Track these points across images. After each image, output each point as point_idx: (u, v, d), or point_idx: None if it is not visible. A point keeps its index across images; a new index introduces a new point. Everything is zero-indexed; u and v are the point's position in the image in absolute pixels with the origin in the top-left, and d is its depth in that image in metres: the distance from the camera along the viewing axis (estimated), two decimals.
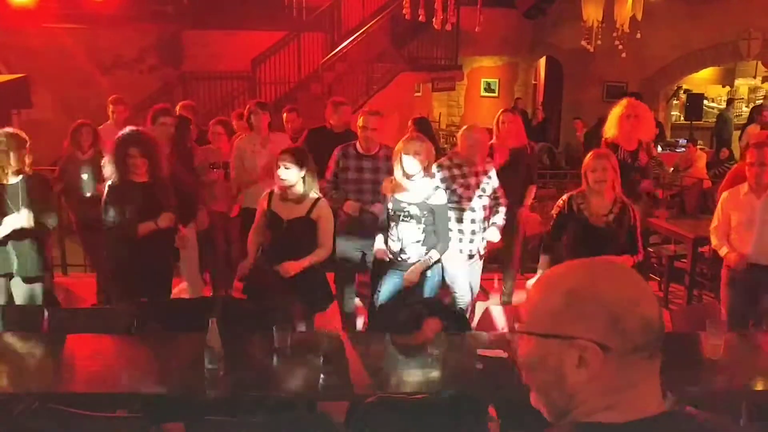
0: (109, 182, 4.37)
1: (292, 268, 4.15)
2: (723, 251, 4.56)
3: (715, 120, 13.99)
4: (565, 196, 4.49)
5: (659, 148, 10.55)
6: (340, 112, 5.90)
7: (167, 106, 5.83)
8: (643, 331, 1.17)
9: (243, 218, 5.74)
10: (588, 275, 1.23)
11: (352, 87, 11.42)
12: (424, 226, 4.36)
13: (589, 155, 4.35)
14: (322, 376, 3.15)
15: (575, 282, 1.22)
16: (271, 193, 4.33)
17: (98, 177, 5.56)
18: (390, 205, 4.42)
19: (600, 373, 1.18)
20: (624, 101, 5.67)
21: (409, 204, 4.35)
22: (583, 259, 1.28)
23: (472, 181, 4.91)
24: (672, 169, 10.12)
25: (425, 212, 4.35)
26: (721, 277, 4.71)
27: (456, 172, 4.90)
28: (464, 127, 5.19)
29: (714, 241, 4.70)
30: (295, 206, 4.24)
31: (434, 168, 4.65)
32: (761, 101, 14.34)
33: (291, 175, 4.15)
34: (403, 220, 4.37)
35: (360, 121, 5.06)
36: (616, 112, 5.61)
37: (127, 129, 4.45)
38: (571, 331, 1.19)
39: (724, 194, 4.72)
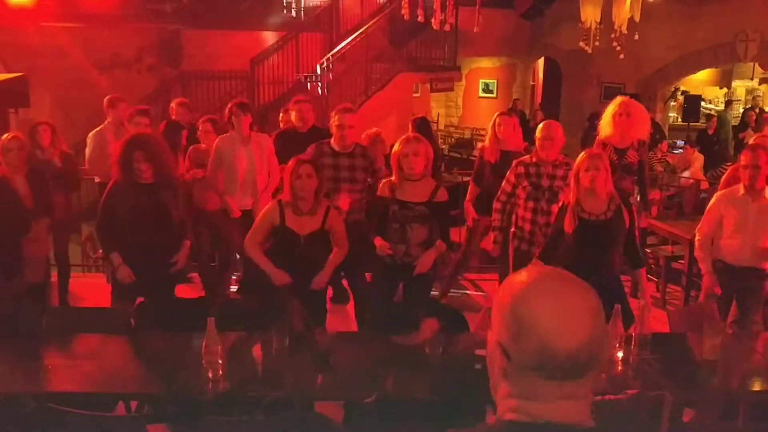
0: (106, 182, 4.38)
1: (323, 281, 4.19)
2: (705, 267, 4.62)
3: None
4: (555, 209, 4.45)
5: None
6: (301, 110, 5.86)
7: (146, 107, 5.82)
8: (537, 355, 1.21)
9: (222, 218, 5.72)
10: (528, 286, 1.27)
11: (350, 87, 11.42)
12: (430, 226, 4.35)
13: (582, 155, 4.29)
14: (320, 376, 3.15)
15: (517, 288, 1.27)
16: (280, 206, 4.16)
17: (57, 177, 5.56)
18: (396, 207, 4.35)
19: (507, 374, 1.27)
20: (618, 99, 5.66)
21: (416, 205, 4.32)
22: (554, 270, 1.33)
23: None
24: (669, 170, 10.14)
25: (433, 211, 4.33)
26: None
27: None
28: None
29: (699, 251, 4.69)
30: (310, 219, 4.14)
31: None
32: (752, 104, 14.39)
33: (312, 184, 4.10)
34: (412, 221, 4.33)
35: (335, 120, 4.99)
36: (609, 110, 5.62)
37: (134, 133, 4.48)
38: (496, 329, 1.30)
39: (719, 193, 4.74)
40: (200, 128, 6.01)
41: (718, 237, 4.62)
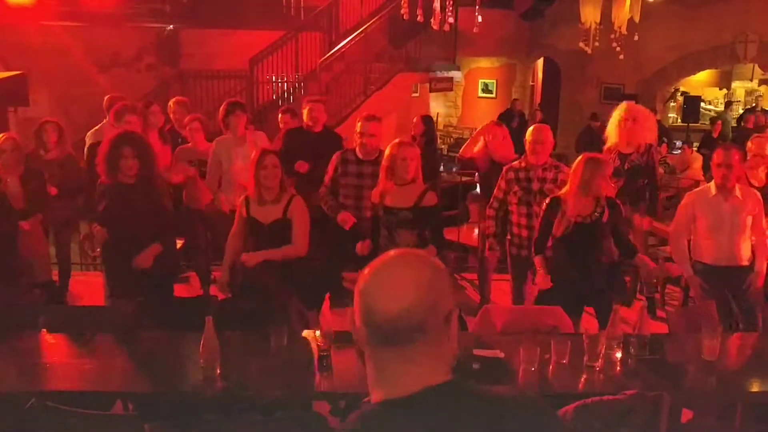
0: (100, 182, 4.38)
1: (251, 258, 4.21)
2: (686, 272, 4.67)
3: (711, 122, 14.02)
4: (548, 199, 4.45)
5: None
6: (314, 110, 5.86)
7: (134, 104, 5.79)
8: (365, 318, 1.34)
9: (219, 217, 5.70)
10: (372, 265, 1.39)
11: (349, 87, 11.42)
12: (419, 230, 4.34)
13: (583, 160, 4.29)
14: (318, 375, 3.15)
15: (366, 269, 1.39)
16: (247, 199, 4.31)
17: (62, 177, 5.56)
18: (382, 213, 4.37)
19: (364, 345, 1.39)
20: (623, 105, 5.67)
21: (402, 210, 4.32)
22: (403, 251, 1.44)
23: None
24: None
25: (420, 216, 4.33)
26: None
27: None
28: None
29: (674, 254, 4.73)
30: (273, 208, 4.25)
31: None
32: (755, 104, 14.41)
33: (277, 174, 4.20)
34: (399, 227, 4.32)
35: (358, 127, 4.98)
36: (615, 116, 5.62)
37: (121, 130, 4.50)
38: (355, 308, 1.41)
39: (690, 194, 4.79)
40: (187, 127, 6.01)
41: (694, 238, 4.64)
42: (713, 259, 4.57)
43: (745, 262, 4.57)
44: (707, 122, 14.49)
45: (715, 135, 11.97)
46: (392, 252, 1.42)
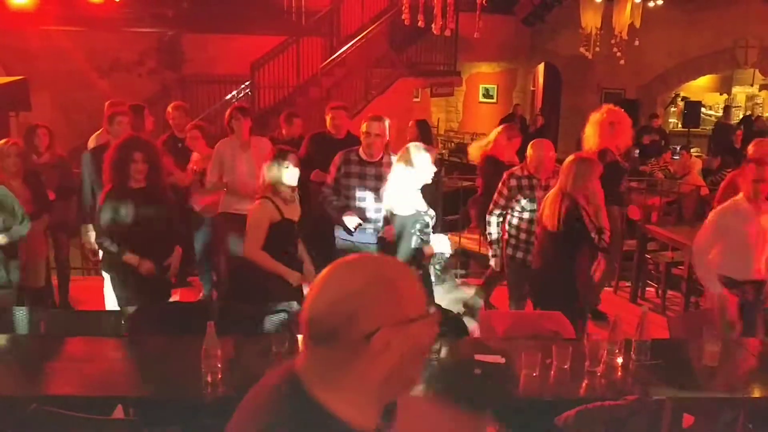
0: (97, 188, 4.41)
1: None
2: (714, 287, 4.41)
3: (712, 128, 14.04)
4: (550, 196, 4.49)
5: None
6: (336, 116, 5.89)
7: (123, 108, 5.81)
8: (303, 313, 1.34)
9: (222, 222, 5.70)
10: None
11: (350, 92, 11.43)
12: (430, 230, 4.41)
13: (573, 160, 4.32)
14: None
15: None
16: (272, 202, 4.20)
17: (57, 180, 5.57)
18: (400, 220, 4.39)
19: None
20: (604, 108, 5.65)
21: (418, 212, 4.38)
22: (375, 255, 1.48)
23: None
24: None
25: (430, 218, 4.41)
26: None
27: None
28: None
29: (700, 270, 4.52)
30: (295, 206, 4.31)
31: None
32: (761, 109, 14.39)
33: (297, 173, 4.22)
34: (419, 231, 4.35)
35: (363, 127, 4.98)
36: (594, 120, 5.59)
37: (130, 135, 4.52)
38: None
39: (720, 208, 4.57)
40: (187, 135, 6.01)
41: (721, 254, 4.48)
42: (742, 273, 4.43)
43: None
44: (708, 128, 14.50)
45: (737, 145, 10.77)
46: (353, 255, 1.39)
